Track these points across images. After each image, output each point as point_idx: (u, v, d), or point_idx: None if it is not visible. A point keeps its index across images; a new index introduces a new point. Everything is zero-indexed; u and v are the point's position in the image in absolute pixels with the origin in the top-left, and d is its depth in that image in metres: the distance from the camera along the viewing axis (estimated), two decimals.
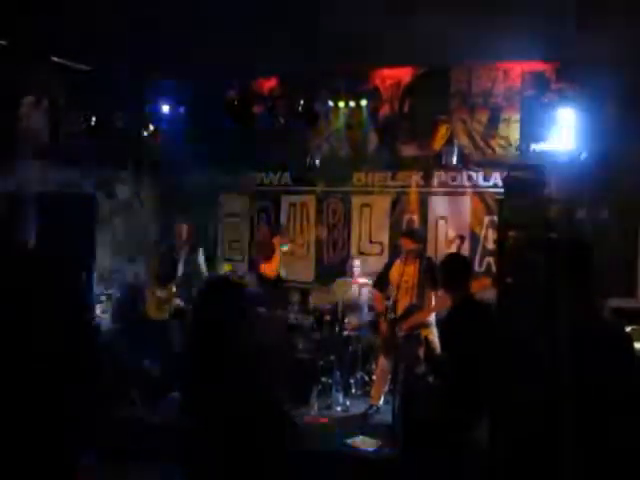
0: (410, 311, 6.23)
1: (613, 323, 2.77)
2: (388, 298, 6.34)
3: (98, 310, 8.37)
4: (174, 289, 7.15)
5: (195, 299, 3.00)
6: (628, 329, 4.71)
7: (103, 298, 8.55)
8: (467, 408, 3.91)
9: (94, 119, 7.49)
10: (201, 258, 7.39)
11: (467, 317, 4.24)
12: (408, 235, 6.63)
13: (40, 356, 2.71)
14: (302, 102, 7.26)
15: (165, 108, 7.68)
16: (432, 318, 6.37)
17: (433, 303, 6.40)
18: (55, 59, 7.31)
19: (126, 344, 8.10)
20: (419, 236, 6.80)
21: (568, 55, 6.42)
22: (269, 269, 7.60)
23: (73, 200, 7.72)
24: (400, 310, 6.29)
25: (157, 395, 6.49)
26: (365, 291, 7.47)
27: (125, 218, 8.98)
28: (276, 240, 7.58)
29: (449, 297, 4.57)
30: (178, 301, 7.17)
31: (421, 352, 6.27)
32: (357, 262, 7.68)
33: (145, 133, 7.76)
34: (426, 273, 6.31)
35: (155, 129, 7.78)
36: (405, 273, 6.36)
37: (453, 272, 4.54)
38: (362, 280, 7.49)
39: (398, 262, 6.47)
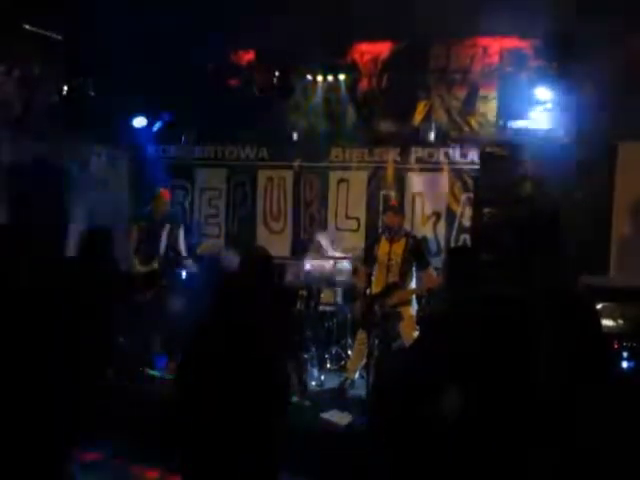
0: (391, 289, 6.25)
1: (581, 296, 2.79)
2: (370, 274, 6.35)
3: None
4: (156, 266, 6.96)
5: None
6: (599, 306, 4.76)
7: None
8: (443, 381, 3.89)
9: (66, 89, 7.34)
10: (182, 234, 7.31)
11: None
12: (392, 210, 6.66)
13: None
14: (277, 74, 7.17)
15: None
16: (412, 296, 6.43)
17: (414, 283, 6.44)
18: (27, 27, 7.14)
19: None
20: (402, 210, 6.87)
21: (546, 32, 6.41)
22: None
23: (46, 172, 7.59)
24: (380, 287, 6.32)
25: (134, 371, 6.43)
26: (341, 266, 7.48)
27: (99, 190, 8.84)
28: None
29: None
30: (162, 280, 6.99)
31: (400, 328, 6.33)
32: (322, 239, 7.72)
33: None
34: (412, 252, 6.34)
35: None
36: (392, 251, 6.38)
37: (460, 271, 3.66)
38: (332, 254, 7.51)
39: (384, 239, 6.48)
